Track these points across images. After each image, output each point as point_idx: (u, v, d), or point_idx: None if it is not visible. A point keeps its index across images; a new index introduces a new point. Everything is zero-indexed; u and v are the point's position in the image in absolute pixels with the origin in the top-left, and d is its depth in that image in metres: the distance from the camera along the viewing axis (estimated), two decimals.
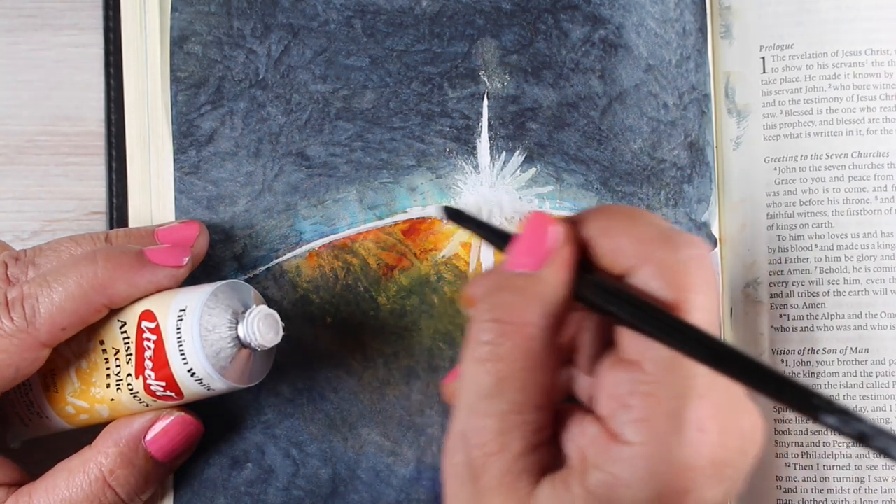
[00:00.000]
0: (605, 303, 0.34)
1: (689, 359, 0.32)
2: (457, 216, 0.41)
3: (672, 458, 0.31)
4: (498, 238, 0.38)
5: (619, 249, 0.34)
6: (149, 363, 0.42)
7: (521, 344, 0.33)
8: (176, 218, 0.49)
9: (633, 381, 0.33)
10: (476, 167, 0.50)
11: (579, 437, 0.34)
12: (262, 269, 0.49)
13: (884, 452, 0.28)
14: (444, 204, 0.46)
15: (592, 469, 0.33)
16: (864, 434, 0.28)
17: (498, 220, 0.50)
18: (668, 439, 0.31)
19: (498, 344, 0.33)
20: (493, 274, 0.35)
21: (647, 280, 0.33)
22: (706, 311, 0.33)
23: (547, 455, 0.34)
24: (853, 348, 0.49)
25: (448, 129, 0.50)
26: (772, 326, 0.50)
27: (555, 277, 0.34)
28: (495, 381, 0.33)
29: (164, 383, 0.42)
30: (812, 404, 0.29)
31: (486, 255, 0.49)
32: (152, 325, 0.42)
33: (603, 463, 0.32)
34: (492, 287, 0.35)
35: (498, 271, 0.35)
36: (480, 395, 0.34)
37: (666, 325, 0.32)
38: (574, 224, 0.35)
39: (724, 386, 0.32)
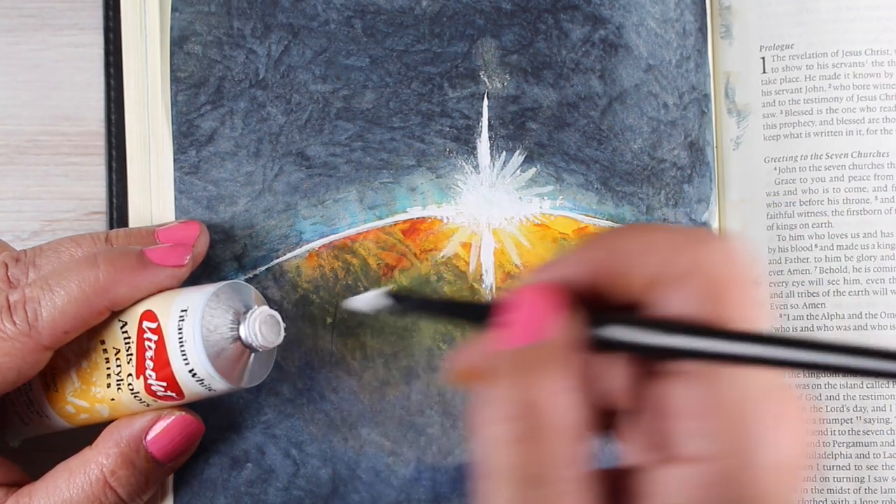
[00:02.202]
0: (641, 341, 0.30)
1: (753, 367, 0.29)
2: (406, 302, 0.35)
3: (744, 465, 0.29)
4: (468, 314, 0.34)
5: (641, 261, 0.30)
6: (150, 363, 0.42)
7: (557, 414, 0.29)
8: (176, 218, 0.49)
9: (688, 393, 0.30)
10: (476, 167, 0.50)
11: (639, 488, 0.31)
12: (263, 269, 0.49)
13: None
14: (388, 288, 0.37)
15: None
16: None
17: (498, 221, 0.50)
18: (738, 446, 0.29)
19: (532, 419, 0.29)
20: (491, 354, 0.31)
21: (681, 283, 0.30)
22: (751, 304, 0.30)
23: None
24: None
25: (448, 129, 0.50)
26: (772, 326, 0.50)
27: (565, 337, 0.31)
28: (537, 461, 0.29)
29: (165, 383, 0.42)
30: None
31: (486, 255, 0.49)
32: (153, 326, 0.42)
33: (666, 497, 0.29)
34: (501, 365, 0.31)
35: (503, 354, 0.31)
36: (523, 481, 0.29)
37: (714, 340, 0.29)
38: (585, 248, 0.32)
39: (781, 387, 0.30)
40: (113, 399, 0.43)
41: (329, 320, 0.49)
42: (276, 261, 0.49)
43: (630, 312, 0.32)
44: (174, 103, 0.49)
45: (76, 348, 0.44)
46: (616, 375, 0.33)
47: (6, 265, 0.44)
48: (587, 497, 0.30)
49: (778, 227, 0.50)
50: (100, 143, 0.51)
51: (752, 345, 0.29)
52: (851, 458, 0.49)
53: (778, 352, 0.29)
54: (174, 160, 0.49)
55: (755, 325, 0.30)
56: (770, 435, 0.29)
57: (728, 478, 0.29)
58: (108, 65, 0.50)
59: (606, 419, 0.34)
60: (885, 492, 0.48)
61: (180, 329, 0.42)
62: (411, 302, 0.35)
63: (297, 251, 0.49)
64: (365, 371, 0.49)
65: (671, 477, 0.30)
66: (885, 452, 0.48)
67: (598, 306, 0.32)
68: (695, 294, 0.30)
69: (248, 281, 0.48)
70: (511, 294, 0.32)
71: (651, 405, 0.31)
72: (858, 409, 0.49)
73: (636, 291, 0.31)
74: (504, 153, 0.50)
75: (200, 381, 0.42)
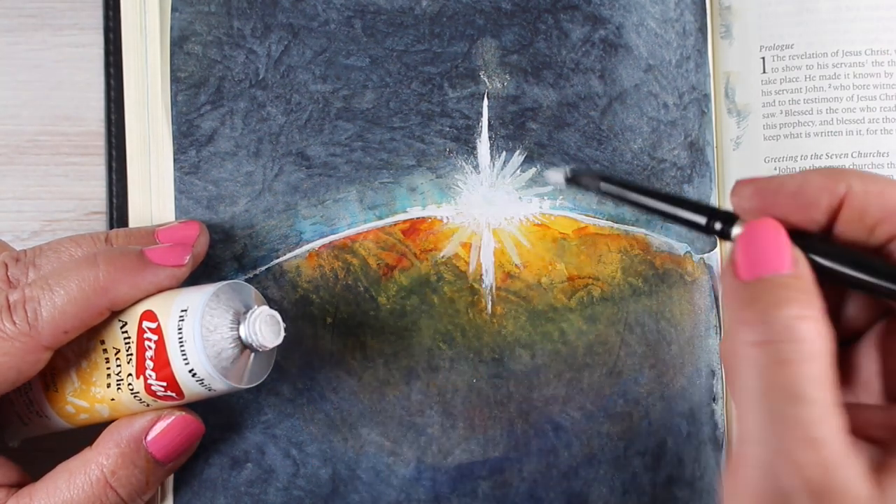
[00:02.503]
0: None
1: None
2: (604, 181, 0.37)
3: None
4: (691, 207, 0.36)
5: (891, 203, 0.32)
6: (150, 363, 0.42)
7: (811, 339, 0.31)
8: (176, 218, 0.49)
9: None
10: (476, 167, 0.50)
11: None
12: (262, 269, 0.49)
13: None
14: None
15: None
16: None
17: (498, 221, 0.50)
18: None
19: (786, 343, 0.31)
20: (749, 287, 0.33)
21: None
22: None
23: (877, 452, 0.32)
24: None
25: (448, 129, 0.50)
26: None
27: (806, 270, 0.33)
28: (793, 381, 0.31)
29: (165, 383, 0.42)
30: None
31: (486, 255, 0.49)
32: (153, 326, 0.42)
33: None
34: (749, 293, 0.33)
35: (753, 282, 0.33)
36: (779, 400, 0.31)
37: None
38: (827, 177, 0.33)
39: None
40: (113, 399, 0.43)
41: (329, 320, 0.49)
42: (276, 261, 0.49)
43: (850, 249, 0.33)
44: (174, 103, 0.49)
45: (76, 348, 0.44)
46: (857, 315, 0.35)
47: (6, 265, 0.44)
48: (839, 420, 0.31)
49: None
50: (100, 143, 0.51)
51: None
52: None
53: None
54: (174, 160, 0.49)
55: None
56: None
57: None
58: (108, 65, 0.50)
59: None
60: None
61: (180, 329, 0.42)
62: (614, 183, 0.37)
63: (297, 251, 0.49)
64: (365, 371, 0.49)
65: None
66: None
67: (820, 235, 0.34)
68: None
69: (248, 281, 0.48)
70: (749, 226, 0.34)
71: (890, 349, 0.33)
72: None
73: (869, 232, 0.33)
74: (504, 153, 0.50)
75: (200, 381, 0.42)
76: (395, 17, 0.50)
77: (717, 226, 0.35)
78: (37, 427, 0.46)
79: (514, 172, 0.50)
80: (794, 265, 0.33)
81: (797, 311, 0.31)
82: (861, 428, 0.32)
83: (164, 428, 0.44)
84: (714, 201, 0.51)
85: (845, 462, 0.30)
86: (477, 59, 0.50)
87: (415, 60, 0.50)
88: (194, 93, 0.49)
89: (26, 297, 0.41)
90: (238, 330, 0.42)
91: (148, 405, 0.43)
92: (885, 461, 0.31)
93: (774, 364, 0.31)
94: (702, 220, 0.35)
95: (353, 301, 0.49)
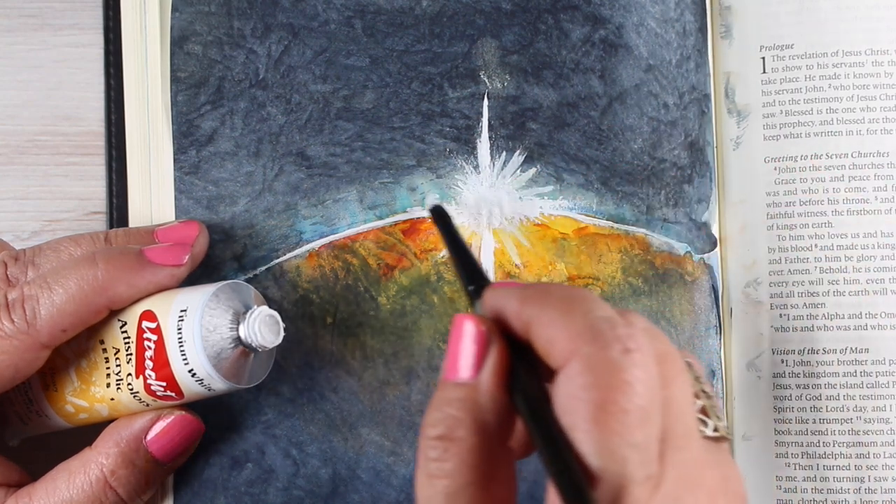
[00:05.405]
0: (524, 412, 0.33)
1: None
2: (440, 219, 0.39)
3: None
4: (464, 265, 0.37)
5: (551, 341, 0.32)
6: (149, 363, 0.42)
7: (465, 458, 0.33)
8: (176, 218, 0.49)
9: None
10: (476, 167, 0.50)
11: None
12: (263, 269, 0.49)
13: None
14: (437, 203, 0.42)
15: None
16: None
17: (498, 221, 0.50)
18: None
19: (443, 460, 0.33)
20: (440, 385, 0.35)
21: (577, 376, 0.31)
22: (632, 413, 0.31)
23: None
24: (853, 348, 0.49)
25: (448, 129, 0.50)
26: (772, 326, 0.50)
27: (489, 385, 0.33)
28: (444, 498, 0.33)
29: (164, 383, 0.42)
30: None
31: (486, 255, 0.49)
32: (153, 325, 0.42)
33: None
34: (435, 401, 0.34)
35: (441, 382, 0.34)
36: (429, 476, 0.33)
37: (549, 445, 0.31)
38: (518, 301, 0.34)
39: None
40: (112, 399, 0.43)
41: (329, 320, 0.49)
42: (276, 261, 0.49)
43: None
44: (174, 103, 0.49)
45: (75, 348, 0.44)
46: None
47: (5, 264, 0.44)
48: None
49: (778, 227, 0.50)
50: (100, 143, 0.51)
51: None
52: (851, 458, 0.49)
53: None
54: (174, 160, 0.49)
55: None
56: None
57: None
58: (108, 65, 0.50)
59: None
60: (885, 492, 0.48)
61: (180, 329, 0.42)
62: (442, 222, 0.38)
63: (297, 251, 0.49)
64: (365, 371, 0.49)
65: None
66: (885, 452, 0.48)
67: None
68: (592, 384, 0.31)
69: (248, 281, 0.48)
70: (457, 323, 0.34)
71: None
72: (858, 409, 0.49)
73: (554, 357, 0.33)
74: (504, 153, 0.50)
75: (200, 381, 0.42)
76: (395, 17, 0.50)
77: (471, 288, 0.36)
78: (36, 426, 0.46)
79: (514, 172, 0.50)
80: (472, 375, 0.34)
81: (452, 431, 0.33)
82: None
83: (164, 427, 0.44)
84: (714, 201, 0.51)
85: None
86: (477, 59, 0.50)
87: (415, 60, 0.50)
88: (194, 93, 0.49)
89: (25, 296, 0.41)
90: (238, 330, 0.42)
91: (147, 405, 0.44)
92: None
93: (429, 476, 0.33)
94: (468, 284, 0.36)
95: (353, 301, 0.49)
